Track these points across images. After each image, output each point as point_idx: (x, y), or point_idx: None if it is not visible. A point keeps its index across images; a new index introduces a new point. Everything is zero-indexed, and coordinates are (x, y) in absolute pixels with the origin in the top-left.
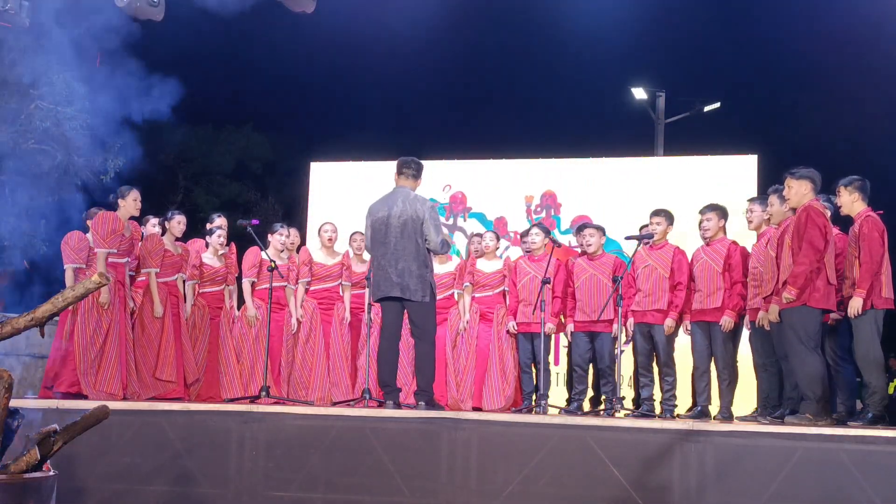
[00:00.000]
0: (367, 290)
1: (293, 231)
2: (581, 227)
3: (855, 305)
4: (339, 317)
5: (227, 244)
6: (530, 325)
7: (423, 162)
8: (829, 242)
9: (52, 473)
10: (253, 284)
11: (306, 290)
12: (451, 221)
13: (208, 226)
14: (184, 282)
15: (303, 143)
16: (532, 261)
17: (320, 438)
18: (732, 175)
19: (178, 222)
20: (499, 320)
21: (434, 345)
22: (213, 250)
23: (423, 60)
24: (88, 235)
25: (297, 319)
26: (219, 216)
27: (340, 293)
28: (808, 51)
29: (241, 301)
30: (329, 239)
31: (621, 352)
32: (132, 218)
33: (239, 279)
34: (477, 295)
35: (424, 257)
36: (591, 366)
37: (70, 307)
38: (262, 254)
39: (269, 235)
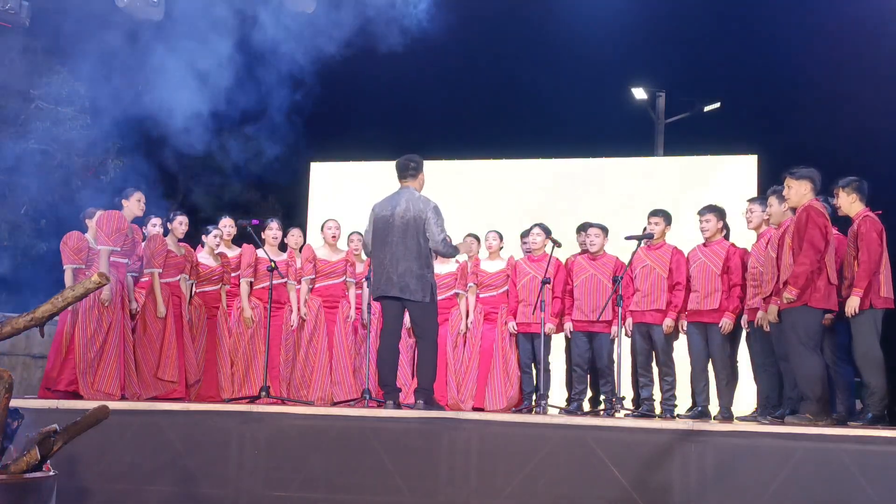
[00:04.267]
0: (364, 290)
1: (296, 231)
2: (585, 225)
3: (853, 305)
4: (344, 315)
5: (238, 244)
6: (530, 326)
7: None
8: (830, 242)
9: (52, 473)
10: (251, 284)
11: (311, 289)
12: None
13: (207, 226)
14: (186, 282)
15: (303, 143)
16: (532, 261)
17: (320, 438)
18: (732, 175)
19: (180, 223)
20: (502, 320)
21: (436, 344)
22: (208, 250)
23: (423, 60)
24: (87, 235)
25: (301, 317)
26: (225, 216)
27: (345, 290)
28: (807, 51)
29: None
30: (333, 236)
31: (617, 342)
32: (135, 221)
33: None
34: (481, 295)
35: (426, 258)
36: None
37: (70, 307)
38: (260, 252)
39: (262, 232)
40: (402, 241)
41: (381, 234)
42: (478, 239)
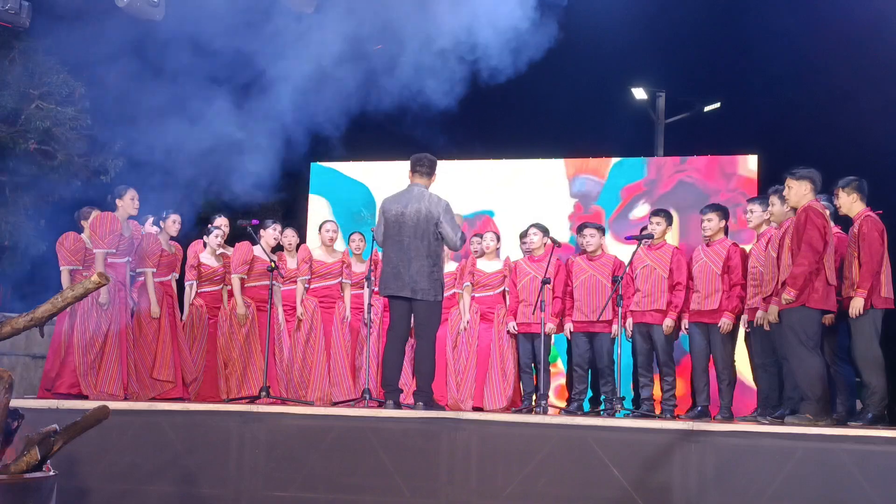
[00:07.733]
0: (365, 290)
1: (289, 231)
2: (581, 226)
3: (856, 305)
4: (340, 316)
5: (232, 244)
6: (530, 326)
7: None
8: (829, 243)
9: (52, 473)
10: (242, 281)
11: (306, 289)
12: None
13: (209, 226)
14: (176, 281)
15: (303, 143)
16: (532, 261)
17: (320, 438)
18: (732, 175)
19: (173, 221)
20: (499, 320)
21: (434, 343)
22: (210, 250)
23: (421, 60)
24: (83, 236)
25: (298, 318)
26: (219, 216)
27: (340, 292)
28: (807, 51)
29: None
30: (330, 238)
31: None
32: (132, 217)
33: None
34: (477, 295)
35: (437, 256)
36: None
37: (69, 307)
38: (256, 250)
39: (261, 232)
40: (414, 240)
41: (393, 232)
42: (480, 237)
